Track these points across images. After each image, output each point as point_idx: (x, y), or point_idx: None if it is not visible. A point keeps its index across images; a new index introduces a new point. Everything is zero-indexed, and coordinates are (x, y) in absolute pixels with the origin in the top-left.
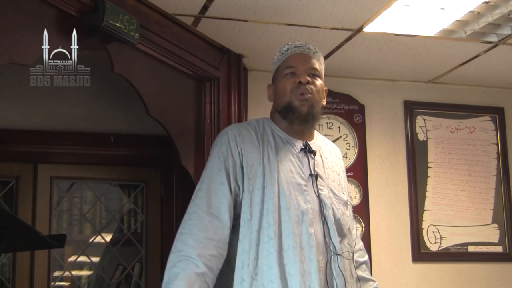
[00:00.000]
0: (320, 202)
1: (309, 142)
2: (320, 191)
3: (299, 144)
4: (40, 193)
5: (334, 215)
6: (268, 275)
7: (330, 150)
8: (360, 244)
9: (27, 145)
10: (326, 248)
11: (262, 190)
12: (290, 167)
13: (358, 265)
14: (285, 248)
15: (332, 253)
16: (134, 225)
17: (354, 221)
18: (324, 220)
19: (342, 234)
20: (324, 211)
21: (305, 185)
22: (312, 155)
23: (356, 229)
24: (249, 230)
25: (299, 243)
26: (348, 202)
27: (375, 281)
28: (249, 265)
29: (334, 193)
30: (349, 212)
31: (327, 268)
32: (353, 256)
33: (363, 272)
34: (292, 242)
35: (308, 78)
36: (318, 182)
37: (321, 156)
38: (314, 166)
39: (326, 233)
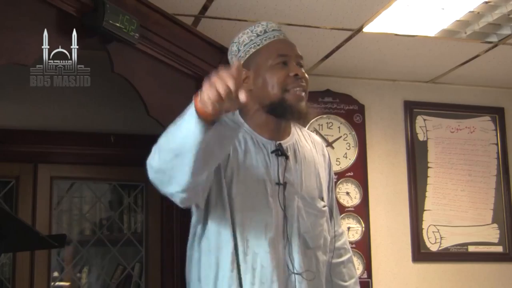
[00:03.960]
0: (285, 215)
1: (285, 140)
2: (287, 202)
3: (270, 146)
4: (40, 193)
5: (299, 229)
6: None
7: (311, 146)
8: (341, 242)
9: (27, 145)
10: (287, 266)
11: (223, 199)
12: (256, 174)
13: (337, 264)
14: (243, 268)
15: (291, 273)
16: (134, 225)
17: (337, 220)
18: (287, 236)
19: (309, 247)
20: (288, 225)
21: (271, 196)
22: (284, 158)
23: (339, 226)
24: (209, 249)
25: (259, 263)
26: (326, 209)
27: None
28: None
29: (306, 202)
30: (325, 219)
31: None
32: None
33: (338, 275)
34: (251, 262)
35: (302, 70)
36: (286, 191)
37: (295, 158)
38: (284, 172)
39: (288, 250)
